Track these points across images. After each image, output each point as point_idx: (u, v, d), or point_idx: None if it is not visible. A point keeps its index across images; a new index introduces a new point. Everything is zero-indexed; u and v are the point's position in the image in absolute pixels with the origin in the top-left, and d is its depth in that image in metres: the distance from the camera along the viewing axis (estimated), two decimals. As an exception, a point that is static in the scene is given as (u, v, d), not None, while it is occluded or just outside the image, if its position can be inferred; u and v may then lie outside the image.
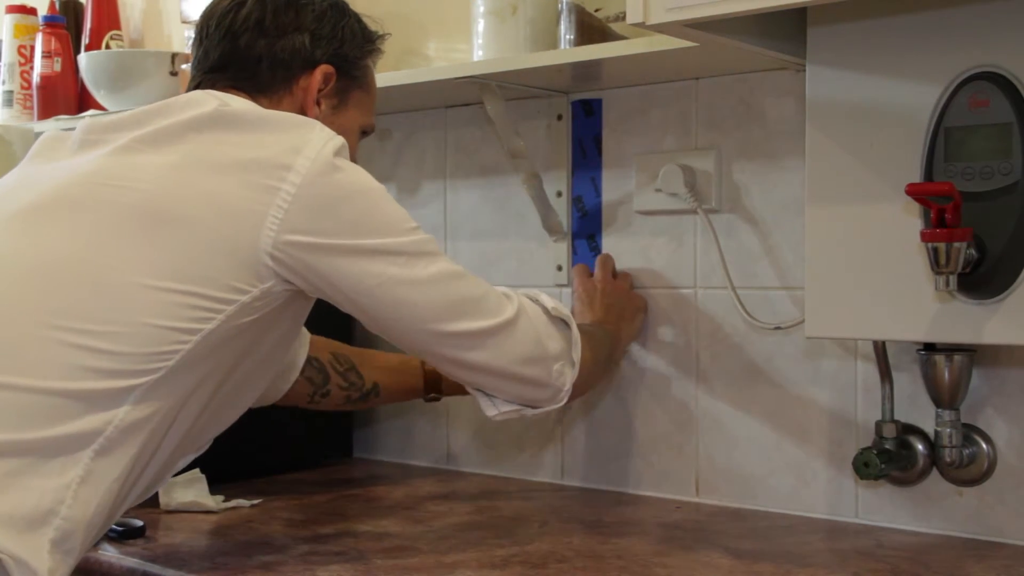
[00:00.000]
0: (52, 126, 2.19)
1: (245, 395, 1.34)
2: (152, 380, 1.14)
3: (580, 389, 1.41)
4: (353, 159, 1.31)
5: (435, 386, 1.69)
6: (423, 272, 1.24)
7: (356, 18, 1.44)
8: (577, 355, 1.38)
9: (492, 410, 1.38)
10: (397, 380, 1.69)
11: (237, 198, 1.17)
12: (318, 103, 1.38)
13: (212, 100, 1.27)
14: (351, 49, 1.41)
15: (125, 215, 1.17)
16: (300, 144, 1.20)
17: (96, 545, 1.38)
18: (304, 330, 1.57)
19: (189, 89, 1.39)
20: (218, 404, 1.27)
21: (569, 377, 1.37)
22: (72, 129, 1.32)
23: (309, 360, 1.61)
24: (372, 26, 1.46)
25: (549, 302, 1.38)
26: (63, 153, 1.29)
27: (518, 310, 1.32)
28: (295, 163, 1.18)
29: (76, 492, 1.11)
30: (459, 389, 1.44)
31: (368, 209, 1.23)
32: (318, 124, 1.24)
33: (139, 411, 1.15)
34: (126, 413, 1.14)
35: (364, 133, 1.47)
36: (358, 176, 1.24)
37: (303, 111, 1.37)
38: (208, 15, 1.39)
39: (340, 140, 1.23)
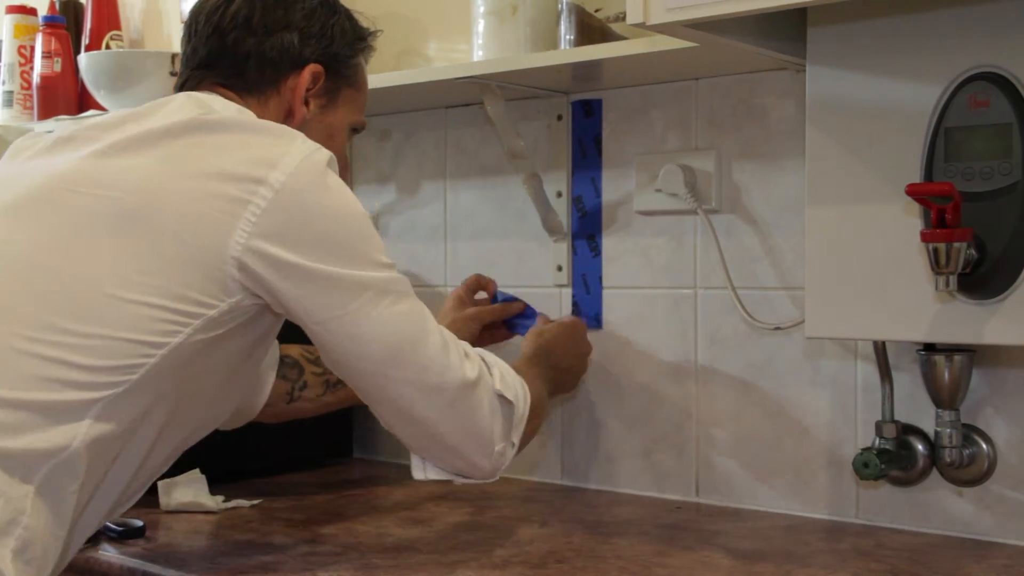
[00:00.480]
0: (52, 126, 2.19)
1: (215, 411, 1.31)
2: (115, 393, 1.12)
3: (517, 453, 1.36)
4: (342, 157, 1.28)
5: None
6: (385, 311, 1.19)
7: (347, 15, 1.41)
8: (518, 436, 1.32)
9: (420, 473, 1.32)
10: None
11: (207, 208, 1.14)
12: (306, 103, 1.36)
13: (193, 107, 1.24)
14: (341, 47, 1.38)
15: (97, 222, 1.15)
16: (276, 157, 1.16)
17: (96, 545, 1.38)
18: (275, 342, 1.52)
19: (177, 86, 1.37)
20: (185, 420, 1.23)
21: (508, 457, 1.31)
22: (51, 132, 1.30)
23: (282, 359, 1.57)
24: (364, 23, 1.43)
25: (497, 378, 1.30)
26: (38, 152, 1.26)
27: (478, 376, 1.26)
28: (268, 177, 1.15)
29: (34, 502, 1.09)
30: None
31: (343, 235, 1.19)
32: (299, 136, 1.20)
33: (102, 424, 1.12)
34: (89, 426, 1.11)
35: (355, 131, 1.44)
36: (341, 198, 1.20)
37: (291, 110, 1.35)
38: (197, 11, 1.36)
39: (326, 155, 1.20)
